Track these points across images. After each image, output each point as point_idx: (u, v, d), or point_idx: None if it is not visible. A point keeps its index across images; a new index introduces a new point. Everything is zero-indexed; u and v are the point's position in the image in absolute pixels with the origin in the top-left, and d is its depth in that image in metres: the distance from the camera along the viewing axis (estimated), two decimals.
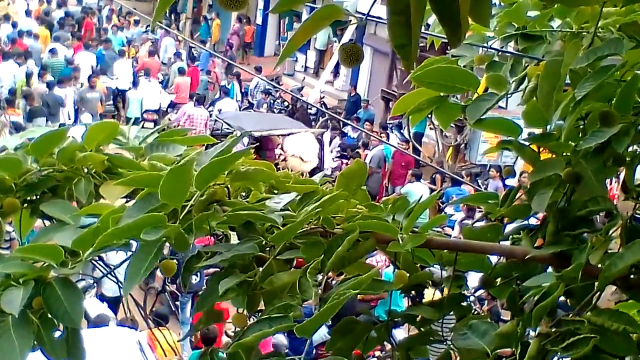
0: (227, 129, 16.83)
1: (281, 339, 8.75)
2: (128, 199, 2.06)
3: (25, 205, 2.08)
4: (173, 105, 20.00)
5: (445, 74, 2.29)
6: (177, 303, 11.22)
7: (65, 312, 1.73)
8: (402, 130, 17.99)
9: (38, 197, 2.10)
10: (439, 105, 2.39)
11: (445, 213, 13.12)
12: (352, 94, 21.86)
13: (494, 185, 14.47)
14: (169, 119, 18.94)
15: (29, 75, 18.58)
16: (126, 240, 1.83)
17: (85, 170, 2.14)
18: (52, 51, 21.21)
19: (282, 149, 16.76)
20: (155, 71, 21.43)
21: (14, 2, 25.50)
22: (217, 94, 21.08)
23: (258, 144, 15.38)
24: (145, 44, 24.03)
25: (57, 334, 1.79)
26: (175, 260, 1.95)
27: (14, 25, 23.38)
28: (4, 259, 1.85)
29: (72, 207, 2.01)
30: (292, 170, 15.84)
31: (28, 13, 26.15)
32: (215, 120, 17.94)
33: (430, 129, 17.60)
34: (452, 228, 12.93)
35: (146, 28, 26.83)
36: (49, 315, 1.75)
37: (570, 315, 1.98)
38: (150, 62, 21.82)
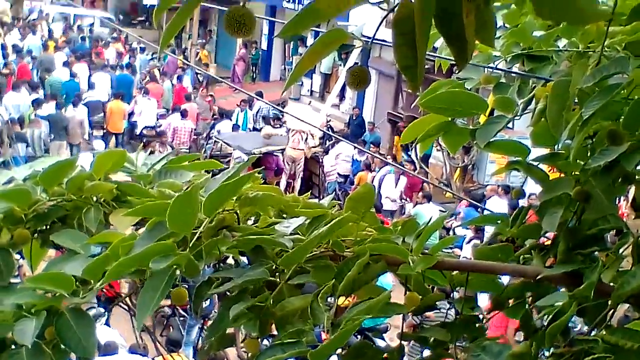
0: (219, 151, 17.12)
1: None
2: (138, 227, 2.06)
3: (36, 235, 2.09)
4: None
5: (453, 99, 2.29)
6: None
7: (79, 342, 1.73)
8: (409, 152, 18.02)
9: (48, 227, 2.10)
10: (447, 130, 2.39)
11: (455, 234, 13.13)
12: (354, 118, 21.92)
13: (494, 203, 14.40)
14: (157, 131, 19.64)
15: (38, 103, 18.74)
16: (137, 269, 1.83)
17: (95, 199, 2.15)
18: (49, 69, 21.63)
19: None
20: (157, 96, 21.73)
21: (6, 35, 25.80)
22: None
23: (259, 165, 15.52)
24: (153, 70, 24.32)
25: None
26: (185, 286, 1.95)
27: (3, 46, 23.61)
28: (15, 289, 1.85)
29: (82, 236, 2.01)
30: (292, 132, 16.01)
31: (34, 32, 26.60)
32: (215, 141, 18.19)
33: (438, 150, 17.61)
34: (460, 248, 12.92)
35: (152, 56, 27.07)
36: (62, 346, 1.74)
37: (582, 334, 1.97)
38: (152, 88, 22.11)
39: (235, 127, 20.33)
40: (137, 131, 20.60)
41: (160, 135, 18.53)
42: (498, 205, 14.01)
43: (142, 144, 17.22)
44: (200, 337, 9.66)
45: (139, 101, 20.89)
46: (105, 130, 20.08)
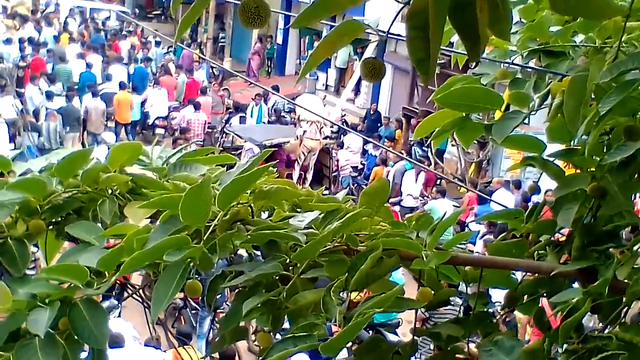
0: (231, 143, 17.25)
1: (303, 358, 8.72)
2: (152, 219, 2.07)
3: (51, 227, 2.10)
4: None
5: (469, 94, 2.28)
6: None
7: (91, 333, 1.74)
8: (423, 147, 17.99)
9: (63, 218, 2.11)
10: (462, 126, 2.38)
11: (470, 230, 13.12)
12: (372, 113, 21.91)
13: (501, 195, 14.45)
14: (172, 123, 20.25)
15: (49, 96, 18.87)
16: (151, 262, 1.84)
17: (110, 191, 2.15)
18: (62, 58, 21.83)
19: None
20: (170, 88, 21.89)
21: (20, 28, 25.82)
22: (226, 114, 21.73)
23: (270, 157, 15.57)
24: (168, 64, 24.43)
25: (83, 354, 1.80)
26: (197, 278, 1.95)
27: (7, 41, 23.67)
28: (29, 279, 1.86)
29: (97, 228, 2.02)
30: (309, 123, 16.18)
31: (50, 24, 26.77)
32: (226, 134, 18.32)
33: (452, 145, 17.57)
34: (474, 244, 12.90)
35: (167, 49, 27.16)
36: (75, 336, 1.75)
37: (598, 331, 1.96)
38: (165, 80, 22.25)
39: (243, 120, 20.53)
40: (150, 122, 20.92)
41: (185, 132, 18.63)
42: (505, 197, 14.10)
43: (172, 140, 17.45)
44: (212, 329, 9.69)
45: (149, 92, 21.22)
46: (114, 121, 20.33)
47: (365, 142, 18.51)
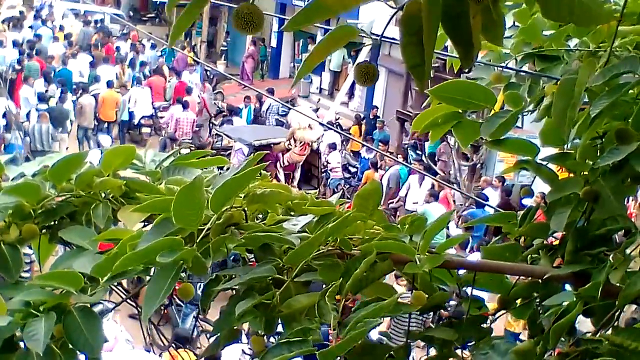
0: (220, 144, 17.30)
1: None
2: (146, 224, 2.07)
3: (44, 231, 2.09)
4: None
5: (463, 89, 2.28)
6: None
7: (86, 341, 1.73)
8: (417, 151, 18.00)
9: (56, 223, 2.10)
10: (456, 121, 2.38)
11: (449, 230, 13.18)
12: (372, 117, 21.94)
13: (488, 194, 14.58)
14: (160, 121, 20.67)
15: (41, 98, 18.90)
16: (144, 265, 1.83)
17: (103, 195, 2.15)
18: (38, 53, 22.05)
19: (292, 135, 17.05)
20: (160, 89, 21.94)
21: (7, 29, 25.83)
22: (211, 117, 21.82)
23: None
24: (162, 67, 24.43)
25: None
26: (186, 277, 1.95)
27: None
28: (23, 285, 1.86)
29: (91, 233, 2.01)
30: (301, 142, 16.25)
31: (44, 22, 26.81)
32: (217, 135, 18.43)
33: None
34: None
35: (161, 52, 27.15)
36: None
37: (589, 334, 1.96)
38: (155, 80, 22.30)
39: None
40: (135, 121, 21.01)
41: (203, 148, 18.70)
42: (493, 195, 14.33)
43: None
44: (196, 327, 9.64)
45: (133, 91, 21.33)
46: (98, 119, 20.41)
47: (362, 145, 18.59)
